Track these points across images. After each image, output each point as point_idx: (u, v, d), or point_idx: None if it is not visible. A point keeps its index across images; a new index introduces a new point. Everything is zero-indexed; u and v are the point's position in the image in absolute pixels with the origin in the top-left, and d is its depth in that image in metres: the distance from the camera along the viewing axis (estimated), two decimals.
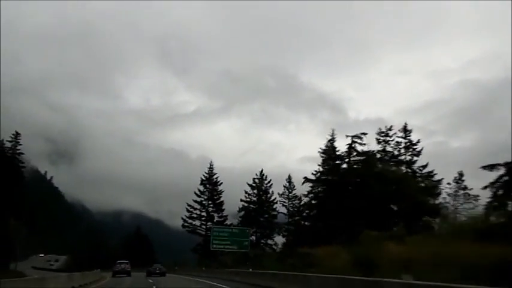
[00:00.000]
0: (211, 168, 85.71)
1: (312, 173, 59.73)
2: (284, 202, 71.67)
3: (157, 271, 55.45)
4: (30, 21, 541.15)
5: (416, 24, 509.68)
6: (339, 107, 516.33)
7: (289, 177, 70.76)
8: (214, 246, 53.96)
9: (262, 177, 77.80)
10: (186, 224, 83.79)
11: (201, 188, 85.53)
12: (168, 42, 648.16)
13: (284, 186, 71.71)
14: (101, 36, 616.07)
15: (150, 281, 42.88)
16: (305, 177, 59.83)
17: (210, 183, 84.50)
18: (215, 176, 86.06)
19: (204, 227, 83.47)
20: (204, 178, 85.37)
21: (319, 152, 58.67)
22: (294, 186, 70.19)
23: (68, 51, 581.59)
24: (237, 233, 55.76)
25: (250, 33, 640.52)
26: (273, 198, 76.49)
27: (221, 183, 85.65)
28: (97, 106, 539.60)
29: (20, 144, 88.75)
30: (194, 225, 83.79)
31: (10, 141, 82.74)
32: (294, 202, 69.89)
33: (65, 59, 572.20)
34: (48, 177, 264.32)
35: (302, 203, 61.48)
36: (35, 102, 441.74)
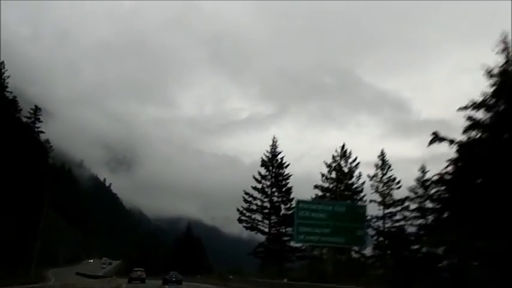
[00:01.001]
0: (274, 145, 57.43)
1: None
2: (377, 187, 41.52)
3: (174, 279, 52.32)
4: (88, 33, 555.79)
5: (477, 22, 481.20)
6: (400, 106, 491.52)
7: (382, 153, 41.46)
8: (302, 238, 32.66)
9: (344, 153, 48.55)
10: (243, 218, 56.69)
11: (263, 171, 57.12)
12: (219, 43, 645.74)
13: (376, 166, 42.58)
14: (155, 45, 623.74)
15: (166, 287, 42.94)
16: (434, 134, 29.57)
17: (274, 165, 56.84)
18: (280, 156, 57.33)
19: (266, 221, 56.15)
20: (265, 158, 57.12)
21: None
22: (390, 167, 42.58)
23: (125, 61, 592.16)
24: (343, 214, 32.62)
25: (305, 32, 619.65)
26: (358, 183, 47.04)
27: (288, 164, 57.39)
28: (153, 114, 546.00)
29: (41, 121, 71.67)
30: (254, 219, 56.56)
31: (29, 117, 69.42)
32: (390, 187, 42.33)
33: (122, 69, 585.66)
34: (107, 184, 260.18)
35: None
36: (94, 111, 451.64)
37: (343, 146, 48.32)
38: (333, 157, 47.65)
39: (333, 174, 48.15)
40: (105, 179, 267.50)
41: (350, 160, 47.90)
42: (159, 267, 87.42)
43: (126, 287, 44.45)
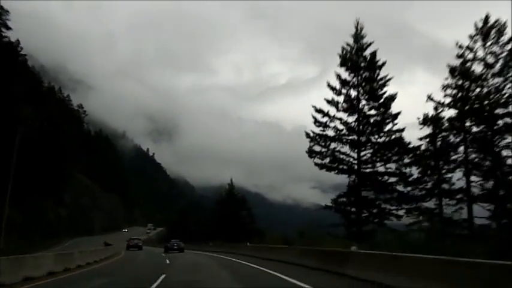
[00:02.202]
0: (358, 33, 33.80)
1: None
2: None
3: (175, 247, 49.41)
4: (123, 4, 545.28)
5: None
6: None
7: None
8: None
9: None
10: (316, 150, 34.18)
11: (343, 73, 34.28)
12: (257, 6, 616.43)
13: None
14: (191, 12, 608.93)
15: (163, 255, 40.55)
16: None
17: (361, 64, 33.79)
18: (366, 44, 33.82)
19: (354, 154, 33.82)
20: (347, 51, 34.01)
21: None
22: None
23: (161, 30, 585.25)
24: None
25: None
26: None
27: (383, 63, 33.75)
28: (192, 83, 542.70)
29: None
30: (334, 151, 33.87)
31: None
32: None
33: (159, 39, 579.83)
34: (151, 154, 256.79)
35: None
36: (134, 83, 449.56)
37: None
38: None
39: None
40: (148, 149, 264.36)
41: None
42: (199, 233, 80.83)
43: (125, 254, 43.00)
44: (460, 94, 30.56)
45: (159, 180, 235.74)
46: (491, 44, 28.98)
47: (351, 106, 33.79)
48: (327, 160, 34.30)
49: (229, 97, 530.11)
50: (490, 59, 28.91)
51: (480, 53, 29.57)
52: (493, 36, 28.88)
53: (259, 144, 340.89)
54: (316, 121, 34.39)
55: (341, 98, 34.12)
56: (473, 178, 29.45)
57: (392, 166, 33.46)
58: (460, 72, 30.18)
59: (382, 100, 33.52)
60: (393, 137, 33.15)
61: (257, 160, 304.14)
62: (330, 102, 34.12)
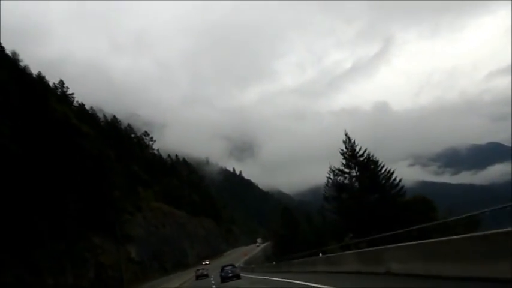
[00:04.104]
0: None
1: None
2: None
3: (230, 274, 42.72)
4: (168, 38, 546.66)
5: None
6: None
7: None
8: None
9: None
10: None
11: None
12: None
13: None
14: (241, 27, 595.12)
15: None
16: None
17: None
18: None
19: None
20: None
21: None
22: None
23: (215, 52, 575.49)
24: None
25: None
26: None
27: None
28: (258, 93, 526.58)
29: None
30: None
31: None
32: None
33: (214, 61, 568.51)
34: (238, 173, 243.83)
35: None
36: (203, 109, 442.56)
37: None
38: None
39: None
40: (234, 169, 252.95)
41: None
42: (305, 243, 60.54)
43: None
44: None
45: (252, 196, 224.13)
46: None
47: None
48: None
49: (299, 97, 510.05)
50: None
51: None
52: None
53: (342, 134, 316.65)
54: None
55: None
56: None
57: None
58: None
59: None
60: None
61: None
62: None
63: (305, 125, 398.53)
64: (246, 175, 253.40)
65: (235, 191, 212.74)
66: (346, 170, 34.33)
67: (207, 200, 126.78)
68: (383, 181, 33.01)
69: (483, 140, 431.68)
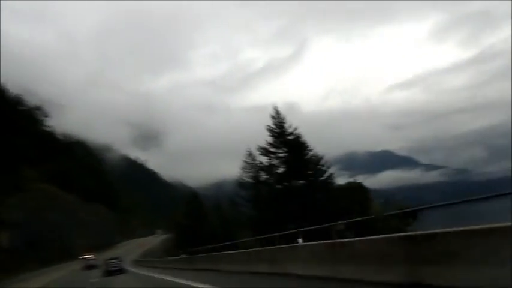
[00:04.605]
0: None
1: None
2: None
3: (114, 268, 40.10)
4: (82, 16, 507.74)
5: None
6: None
7: None
8: None
9: None
10: None
11: None
12: None
13: None
14: (156, 9, 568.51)
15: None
16: None
17: None
18: None
19: None
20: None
21: None
22: None
23: (127, 34, 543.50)
24: None
25: None
26: None
27: None
28: (169, 82, 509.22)
29: None
30: None
31: None
32: None
33: (126, 43, 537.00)
34: (141, 162, 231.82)
35: None
36: (108, 92, 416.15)
37: None
38: None
39: None
40: (137, 157, 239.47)
41: None
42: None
43: None
44: None
45: (155, 187, 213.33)
46: None
47: None
48: None
49: (211, 90, 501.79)
50: None
51: None
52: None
53: (253, 131, 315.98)
54: None
55: None
56: None
57: None
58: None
59: None
60: None
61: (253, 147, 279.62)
62: None
63: (215, 119, 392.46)
64: (150, 165, 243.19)
65: (137, 181, 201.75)
66: (272, 150, 29.37)
67: (104, 186, 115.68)
68: (311, 166, 28.54)
69: (378, 148, 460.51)
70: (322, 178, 28.24)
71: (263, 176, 30.06)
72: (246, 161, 37.27)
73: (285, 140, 28.71)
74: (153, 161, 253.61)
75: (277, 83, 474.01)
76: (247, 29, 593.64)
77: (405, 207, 24.32)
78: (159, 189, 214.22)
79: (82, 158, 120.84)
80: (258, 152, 29.82)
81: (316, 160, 28.46)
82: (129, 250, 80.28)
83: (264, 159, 29.88)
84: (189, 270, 24.49)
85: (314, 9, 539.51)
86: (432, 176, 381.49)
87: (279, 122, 29.44)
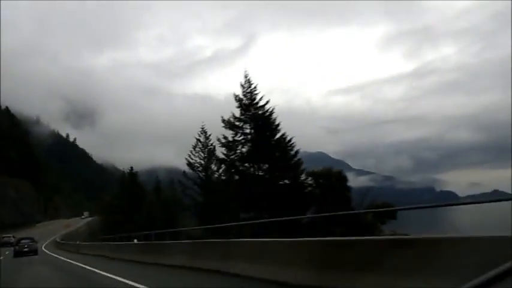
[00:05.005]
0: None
1: None
2: None
3: (26, 249, 37.73)
4: None
5: None
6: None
7: None
8: None
9: None
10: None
11: None
12: None
13: None
14: None
15: None
16: None
17: None
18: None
19: None
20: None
21: None
22: None
23: (78, 9, 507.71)
24: None
25: None
26: None
27: None
28: (110, 60, 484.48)
29: None
30: None
31: None
32: None
33: (69, 13, 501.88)
34: (71, 140, 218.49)
35: None
36: (44, 63, 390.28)
37: None
38: None
39: None
40: (68, 135, 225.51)
41: None
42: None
43: None
44: None
45: (84, 167, 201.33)
46: None
47: None
48: None
49: (154, 73, 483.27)
50: None
51: None
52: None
53: (192, 119, 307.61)
54: None
55: None
56: None
57: None
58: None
59: None
60: None
61: (191, 136, 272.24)
62: None
63: (155, 103, 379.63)
64: (81, 143, 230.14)
65: (66, 159, 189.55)
66: (238, 124, 25.39)
67: (29, 160, 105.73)
68: (280, 148, 24.99)
69: (314, 149, 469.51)
70: (291, 163, 24.89)
71: (223, 152, 26.05)
72: (198, 139, 33.38)
73: (253, 114, 24.83)
74: (85, 140, 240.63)
75: (222, 74, 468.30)
76: (198, 17, 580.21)
77: (384, 205, 21.87)
78: (88, 170, 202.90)
79: (6, 128, 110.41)
80: (222, 125, 25.78)
81: (285, 143, 24.94)
82: (51, 230, 72.97)
83: (228, 134, 25.84)
84: (121, 260, 20.10)
85: (267, 4, 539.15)
86: (362, 181, 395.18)
87: (248, 92, 25.65)
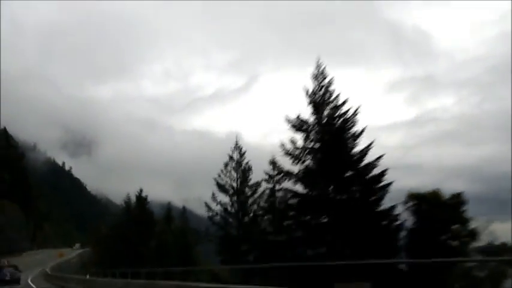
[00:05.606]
0: None
1: None
2: None
3: (7, 278, 35.28)
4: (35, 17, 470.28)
5: None
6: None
7: None
8: None
9: None
10: None
11: None
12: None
13: None
14: (111, 15, 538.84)
15: None
16: None
17: None
18: None
19: None
20: None
21: None
22: None
23: (77, 33, 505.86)
24: None
25: None
26: None
27: None
28: (112, 92, 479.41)
29: None
30: None
31: None
32: None
33: (74, 43, 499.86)
34: (67, 168, 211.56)
35: None
36: (46, 90, 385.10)
37: None
38: None
39: None
40: (64, 163, 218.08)
41: None
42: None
43: None
44: None
45: (78, 197, 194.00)
46: None
47: None
48: None
49: (155, 107, 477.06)
50: None
51: None
52: None
53: (189, 155, 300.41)
54: None
55: None
56: None
57: None
58: None
59: None
60: None
61: (187, 172, 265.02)
62: None
63: (154, 137, 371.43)
64: (76, 173, 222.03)
65: (59, 187, 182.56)
66: (306, 121, 18.78)
67: (21, 183, 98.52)
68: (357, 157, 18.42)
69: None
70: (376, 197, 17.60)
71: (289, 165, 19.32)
72: (231, 156, 27.63)
73: (327, 117, 18.36)
74: (81, 169, 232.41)
75: (223, 112, 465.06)
76: (203, 53, 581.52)
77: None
78: (81, 200, 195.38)
79: (2, 148, 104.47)
80: (288, 125, 19.14)
81: (372, 166, 17.89)
82: (39, 260, 65.25)
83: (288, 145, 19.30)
84: None
85: (273, 45, 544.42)
86: None
87: (320, 85, 19.06)
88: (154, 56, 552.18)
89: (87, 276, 23.41)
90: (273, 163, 24.65)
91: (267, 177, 24.79)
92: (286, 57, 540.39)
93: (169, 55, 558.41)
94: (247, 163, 27.58)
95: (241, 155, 27.57)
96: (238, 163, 27.37)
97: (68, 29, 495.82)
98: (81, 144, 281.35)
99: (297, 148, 18.66)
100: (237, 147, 27.76)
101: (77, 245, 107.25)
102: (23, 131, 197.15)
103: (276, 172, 19.42)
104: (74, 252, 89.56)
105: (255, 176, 28.21)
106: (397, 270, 15.99)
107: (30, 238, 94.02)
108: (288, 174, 18.98)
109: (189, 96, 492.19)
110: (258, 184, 26.77)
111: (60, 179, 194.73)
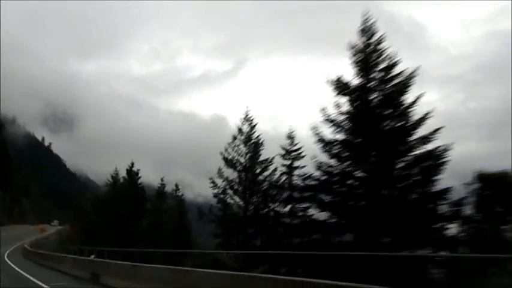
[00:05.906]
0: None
1: None
2: None
3: None
4: None
5: None
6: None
7: None
8: None
9: None
10: None
11: None
12: None
13: None
14: None
15: None
16: None
17: None
18: None
19: None
20: None
21: None
22: None
23: (65, 6, 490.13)
24: None
25: None
26: None
27: None
28: (97, 69, 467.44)
29: None
30: None
31: None
32: None
33: (60, 17, 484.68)
34: (47, 144, 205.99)
35: None
36: (29, 62, 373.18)
37: None
38: None
39: None
40: (43, 138, 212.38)
41: None
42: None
43: None
44: None
45: (56, 174, 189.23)
46: None
47: None
48: None
49: (141, 86, 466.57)
50: None
51: None
52: None
53: (175, 136, 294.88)
54: None
55: None
56: None
57: None
58: None
59: None
60: None
61: (171, 153, 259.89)
62: None
63: (137, 116, 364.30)
64: (56, 149, 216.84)
65: (38, 163, 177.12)
66: (340, 98, 15.48)
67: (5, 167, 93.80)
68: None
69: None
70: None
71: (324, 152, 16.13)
72: (240, 128, 24.75)
73: (379, 80, 15.34)
74: (61, 146, 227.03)
75: (209, 95, 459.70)
76: (192, 35, 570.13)
77: None
78: (60, 177, 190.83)
79: None
80: (331, 87, 15.92)
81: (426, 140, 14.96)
82: (16, 236, 61.81)
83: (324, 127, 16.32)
84: None
85: (264, 32, 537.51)
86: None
87: (368, 41, 16.12)
88: (142, 35, 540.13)
89: (92, 257, 20.03)
90: (291, 137, 22.39)
91: (283, 152, 22.12)
92: (276, 43, 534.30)
93: (158, 35, 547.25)
94: (257, 137, 24.79)
95: (252, 127, 24.73)
96: (248, 136, 24.54)
97: (57, 3, 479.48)
98: (63, 120, 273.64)
99: (342, 113, 15.84)
100: (247, 119, 24.89)
101: (56, 222, 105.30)
102: (2, 103, 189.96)
103: (316, 139, 16.10)
104: (52, 229, 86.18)
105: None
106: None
107: (6, 213, 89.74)
108: (329, 144, 16.11)
109: (176, 77, 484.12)
110: (268, 160, 24.02)
111: (39, 155, 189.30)
